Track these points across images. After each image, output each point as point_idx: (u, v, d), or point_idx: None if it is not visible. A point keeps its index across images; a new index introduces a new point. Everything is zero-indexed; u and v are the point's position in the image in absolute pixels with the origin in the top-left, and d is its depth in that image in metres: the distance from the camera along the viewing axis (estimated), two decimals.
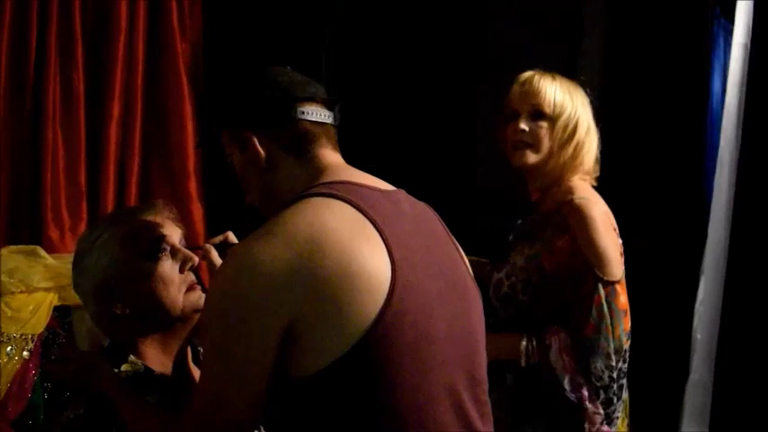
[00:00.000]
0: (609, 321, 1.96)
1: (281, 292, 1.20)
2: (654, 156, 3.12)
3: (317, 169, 1.38)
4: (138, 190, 2.96)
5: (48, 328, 2.49)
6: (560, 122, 2.07)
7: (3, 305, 2.45)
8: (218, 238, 1.70)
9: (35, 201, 2.78)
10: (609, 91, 2.91)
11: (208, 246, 1.65)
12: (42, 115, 2.76)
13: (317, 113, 1.42)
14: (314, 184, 1.35)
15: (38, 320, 2.46)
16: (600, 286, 1.97)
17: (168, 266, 1.54)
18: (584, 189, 2.08)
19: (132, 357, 1.53)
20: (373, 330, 1.20)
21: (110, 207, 2.89)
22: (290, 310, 1.20)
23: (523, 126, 2.08)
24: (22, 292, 2.48)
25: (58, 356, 1.54)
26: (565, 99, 2.09)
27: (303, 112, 1.40)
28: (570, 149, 2.07)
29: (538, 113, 2.08)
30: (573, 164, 2.09)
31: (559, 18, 3.11)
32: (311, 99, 1.43)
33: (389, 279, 1.23)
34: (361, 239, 1.24)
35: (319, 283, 1.19)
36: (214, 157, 3.01)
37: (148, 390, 1.49)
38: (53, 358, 1.57)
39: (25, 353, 2.41)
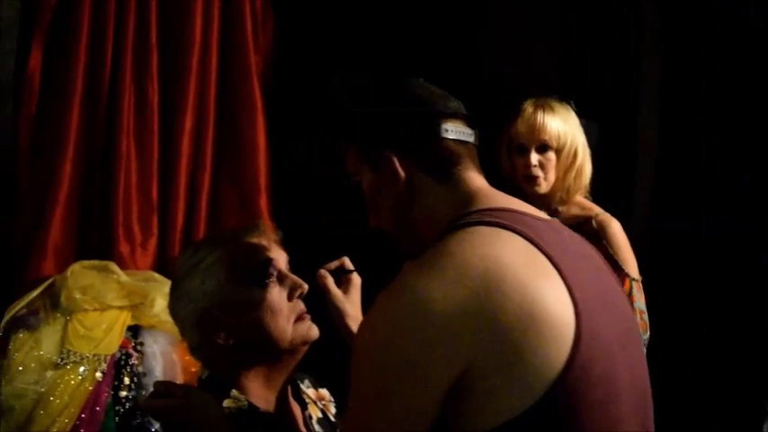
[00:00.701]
0: (642, 317, 2.31)
1: (456, 338, 1.05)
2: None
3: (464, 194, 1.26)
4: (208, 205, 2.88)
5: (120, 348, 2.41)
6: (564, 152, 2.34)
7: (75, 323, 2.39)
8: (334, 264, 1.59)
9: (106, 215, 2.71)
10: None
11: (323, 272, 1.56)
12: (116, 126, 2.69)
13: (460, 132, 1.29)
14: (467, 210, 1.21)
15: (111, 340, 2.39)
16: (633, 285, 2.30)
17: (276, 294, 1.45)
18: (593, 205, 2.42)
19: (235, 392, 1.44)
20: (559, 384, 1.04)
21: (180, 223, 2.82)
22: (465, 358, 1.05)
23: (534, 161, 2.33)
24: (95, 309, 2.41)
25: (159, 390, 1.44)
26: (566, 129, 2.35)
27: (447, 130, 1.28)
28: (573, 173, 2.35)
29: (544, 147, 2.33)
30: (577, 184, 2.38)
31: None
32: (454, 115, 1.31)
33: (574, 324, 1.07)
34: (540, 277, 1.09)
35: (500, 327, 1.04)
36: (286, 173, 2.96)
37: (252, 429, 1.40)
38: (153, 392, 1.47)
39: (98, 374, 2.34)
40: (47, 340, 2.32)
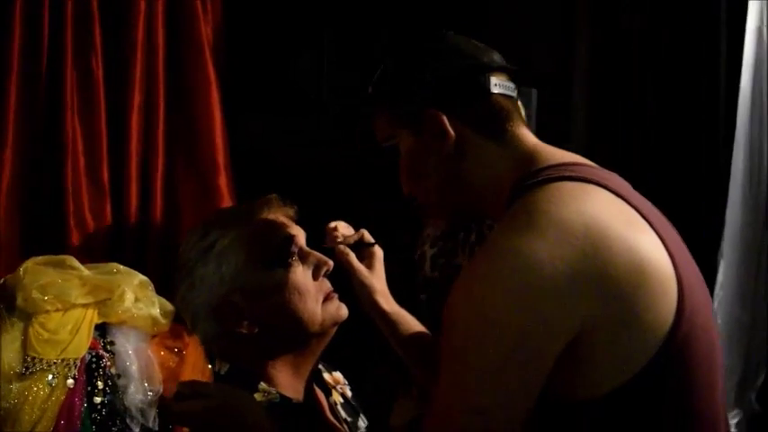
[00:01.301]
0: None
1: (568, 302, 0.98)
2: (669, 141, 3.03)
3: (524, 151, 1.17)
4: (163, 187, 2.66)
5: (89, 350, 2.18)
6: None
7: (37, 326, 2.13)
8: (353, 237, 1.49)
9: (54, 204, 2.46)
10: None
11: (342, 247, 1.45)
12: (60, 105, 2.44)
13: (506, 86, 1.20)
14: (536, 167, 1.13)
15: (79, 342, 2.15)
16: None
17: (301, 273, 1.31)
18: None
19: (263, 385, 1.30)
20: (671, 339, 1.01)
21: (134, 208, 2.59)
22: (577, 323, 0.99)
23: None
24: (58, 310, 2.17)
25: (185, 392, 1.27)
26: None
27: (495, 85, 1.18)
28: None
29: None
30: None
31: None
32: (500, 69, 1.21)
33: (675, 276, 1.03)
34: (637, 230, 1.05)
35: (611, 286, 0.99)
36: (244, 149, 2.76)
37: (285, 423, 1.26)
38: (177, 394, 1.29)
39: (69, 381, 2.10)
40: (6, 349, 2.07)
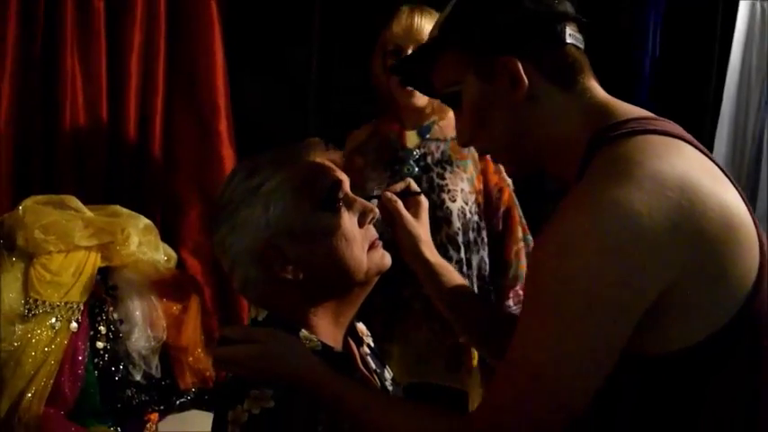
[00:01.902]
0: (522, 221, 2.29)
1: (665, 254, 0.96)
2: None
3: (598, 104, 1.14)
4: (162, 129, 2.57)
5: (93, 294, 2.12)
6: None
7: (39, 268, 2.06)
8: (399, 186, 1.45)
9: (52, 143, 2.35)
10: None
11: (389, 194, 1.41)
12: (59, 42, 2.33)
13: (578, 37, 1.16)
14: (615, 120, 1.10)
15: (82, 286, 2.09)
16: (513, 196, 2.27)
17: (348, 219, 1.26)
18: None
19: (305, 332, 1.25)
20: (756, 293, 1.00)
21: (132, 150, 2.50)
22: (671, 274, 0.97)
23: None
24: (60, 251, 2.09)
25: (230, 337, 1.23)
26: None
27: (570, 34, 1.14)
28: None
29: None
30: None
31: None
32: (574, 19, 1.17)
33: (755, 231, 1.03)
34: (722, 185, 1.04)
35: (705, 239, 0.98)
36: (245, 93, 2.68)
37: None
38: (221, 339, 1.25)
39: (73, 325, 2.04)
40: (7, 289, 1.99)
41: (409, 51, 2.11)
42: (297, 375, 1.16)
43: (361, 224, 1.29)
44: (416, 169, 2.20)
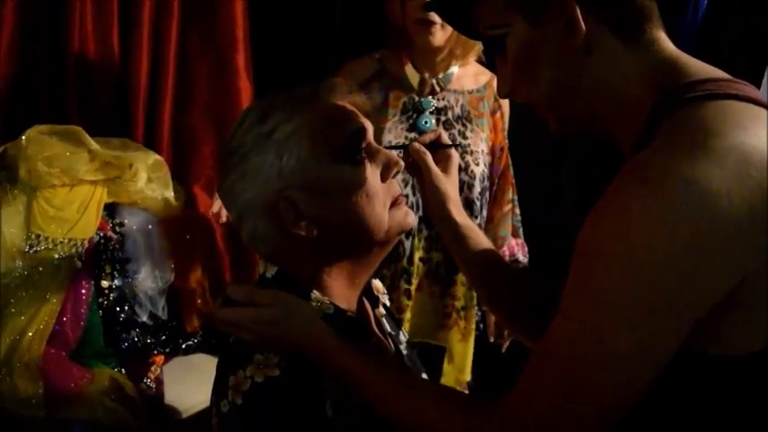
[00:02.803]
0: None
1: (741, 242, 0.84)
2: None
3: (664, 59, 0.99)
4: (176, 62, 2.44)
5: (99, 231, 2.03)
6: None
7: (42, 201, 1.97)
8: (429, 137, 1.32)
9: (59, 73, 2.23)
10: None
11: (417, 145, 1.28)
12: None
13: None
14: (687, 80, 0.95)
15: (87, 221, 2.00)
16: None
17: (370, 173, 1.14)
18: (487, 71, 2.15)
19: (316, 293, 1.15)
20: None
21: (144, 80, 2.38)
22: (747, 264, 0.85)
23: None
24: (64, 185, 2.00)
25: (239, 298, 1.13)
26: None
27: None
28: None
29: None
30: (475, 41, 1.97)
31: None
32: None
33: None
34: None
35: None
36: (262, 25, 2.54)
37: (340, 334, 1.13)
38: (224, 300, 1.15)
39: (77, 262, 1.96)
40: (8, 224, 1.91)
41: None
42: (303, 343, 1.06)
43: (383, 178, 1.17)
44: (433, 122, 2.05)
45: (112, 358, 1.99)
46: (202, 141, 2.47)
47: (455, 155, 1.34)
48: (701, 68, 0.99)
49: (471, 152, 2.07)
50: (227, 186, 1.17)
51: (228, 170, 1.16)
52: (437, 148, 1.32)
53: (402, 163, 1.19)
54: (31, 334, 1.85)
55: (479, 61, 2.17)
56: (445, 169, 1.31)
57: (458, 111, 2.09)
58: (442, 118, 2.07)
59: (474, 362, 2.19)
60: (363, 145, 1.15)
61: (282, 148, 1.11)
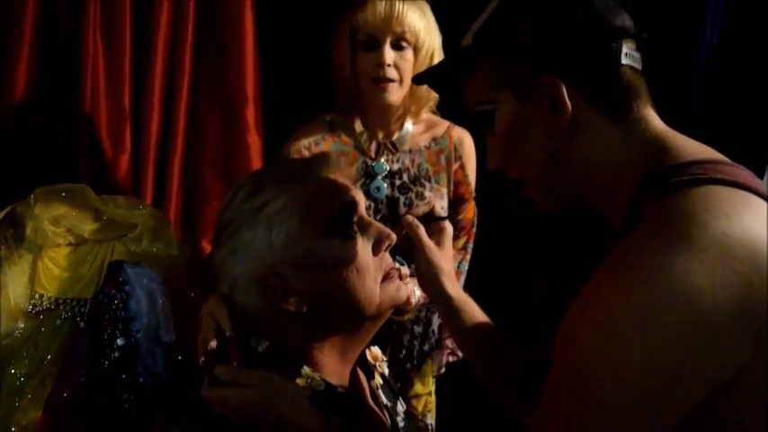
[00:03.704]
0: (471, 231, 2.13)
1: (728, 338, 0.82)
2: None
3: (652, 139, 0.99)
4: (186, 115, 2.46)
5: (102, 290, 2.04)
6: (423, 53, 1.92)
7: (47, 261, 1.99)
8: (422, 209, 1.35)
9: (70, 129, 2.26)
10: None
11: (411, 218, 1.29)
12: (81, 19, 2.21)
13: (636, 57, 1.02)
14: (672, 162, 0.95)
15: (91, 281, 2.01)
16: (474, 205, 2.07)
17: (361, 247, 1.14)
18: (439, 118, 2.06)
19: (307, 369, 1.15)
20: None
21: (154, 136, 2.40)
22: (734, 360, 0.83)
23: (389, 59, 1.90)
24: (69, 244, 2.02)
25: (226, 378, 1.13)
26: (426, 24, 1.93)
27: (626, 54, 1.00)
28: None
29: (401, 42, 1.90)
30: (431, 94, 1.97)
31: None
32: (632, 35, 1.02)
33: None
34: None
35: None
36: (273, 80, 2.56)
37: (329, 412, 1.12)
38: (213, 378, 1.15)
39: (80, 322, 1.97)
40: (13, 283, 1.93)
41: (387, 44, 1.88)
42: (288, 425, 1.07)
43: (375, 251, 1.18)
44: (386, 187, 1.96)
45: (113, 420, 1.99)
46: (211, 196, 2.48)
47: (449, 227, 1.35)
48: (690, 148, 0.98)
49: None
50: (218, 260, 1.18)
51: (220, 244, 1.18)
52: (430, 220, 1.33)
53: (394, 236, 1.19)
54: (30, 396, 1.85)
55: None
56: (438, 241, 1.32)
57: (414, 171, 2.00)
58: (397, 182, 1.98)
59: None
60: (354, 219, 1.15)
61: (273, 223, 1.13)
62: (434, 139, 2.04)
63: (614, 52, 0.99)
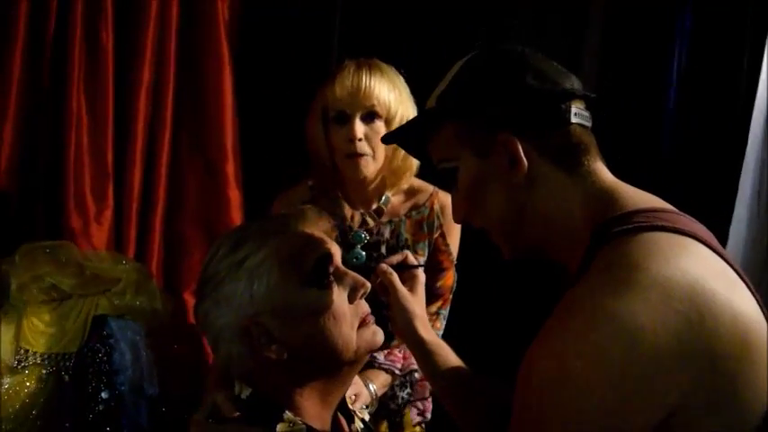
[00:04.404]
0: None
1: (669, 374, 0.88)
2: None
3: (601, 190, 1.07)
4: (167, 172, 2.52)
5: (87, 343, 2.07)
6: (396, 123, 1.88)
7: (32, 317, 2.03)
8: (396, 258, 1.40)
9: (54, 184, 2.31)
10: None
11: (385, 266, 1.36)
12: (66, 79, 2.29)
13: (585, 116, 1.11)
14: (619, 212, 1.03)
15: (76, 335, 2.05)
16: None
17: (337, 295, 1.20)
18: (423, 182, 2.03)
19: (289, 414, 1.20)
20: None
21: (137, 192, 2.46)
22: (676, 397, 0.88)
23: (359, 134, 1.88)
24: (53, 300, 2.05)
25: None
26: (396, 95, 1.91)
27: (576, 114, 1.08)
28: (403, 151, 1.82)
29: (372, 115, 1.89)
30: (407, 163, 1.93)
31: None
32: (580, 96, 1.11)
33: None
34: (736, 294, 0.95)
35: (716, 359, 0.89)
36: (253, 135, 2.62)
37: None
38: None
39: (63, 375, 2.00)
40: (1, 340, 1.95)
41: (357, 118, 1.88)
42: None
43: (351, 299, 1.23)
44: (364, 255, 1.95)
45: None
46: (192, 249, 2.53)
47: (421, 274, 1.42)
48: (636, 198, 1.06)
49: None
50: (202, 312, 1.24)
51: (204, 297, 1.23)
52: (404, 269, 1.39)
53: (369, 285, 1.26)
54: None
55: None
56: (411, 288, 1.38)
57: (392, 242, 1.98)
58: (375, 253, 1.96)
59: None
60: (331, 270, 1.21)
61: (253, 276, 1.19)
62: (416, 208, 2.01)
63: (563, 112, 1.08)
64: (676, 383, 0.88)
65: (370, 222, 2.00)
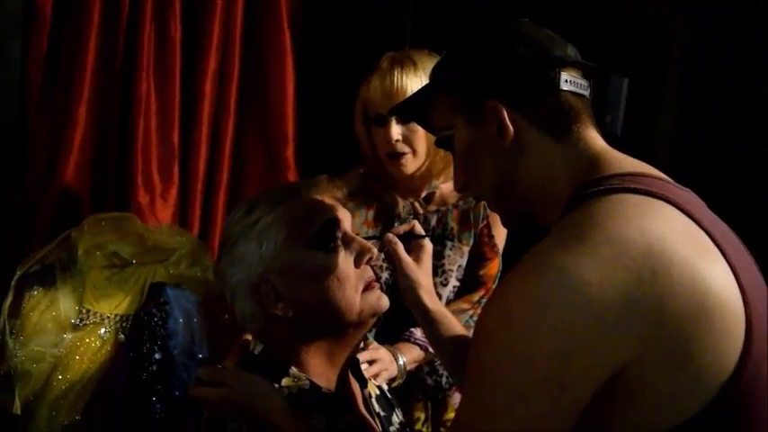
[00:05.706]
0: None
1: (615, 329, 0.88)
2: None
3: (588, 156, 1.08)
4: (231, 153, 2.67)
5: (144, 308, 2.22)
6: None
7: (95, 281, 2.19)
8: (403, 228, 1.46)
9: (123, 162, 2.49)
10: None
11: (391, 236, 1.41)
12: (136, 65, 2.46)
13: (578, 83, 1.12)
14: (599, 175, 1.03)
15: (133, 299, 2.20)
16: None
17: (343, 259, 1.28)
18: None
19: (294, 370, 1.29)
20: (732, 387, 0.90)
21: (202, 171, 2.62)
22: (624, 353, 0.89)
23: (396, 135, 1.91)
24: (114, 266, 2.22)
25: (207, 378, 1.28)
26: None
27: (566, 81, 1.10)
28: None
29: None
30: (448, 159, 1.87)
31: None
32: (573, 64, 1.12)
33: (744, 315, 0.92)
34: (706, 258, 0.93)
35: (668, 318, 0.89)
36: (313, 121, 2.74)
37: (313, 411, 1.26)
38: (197, 379, 1.30)
39: (121, 336, 2.15)
40: (64, 299, 2.13)
41: (393, 120, 1.92)
42: (262, 417, 1.21)
43: (357, 264, 1.31)
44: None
45: (145, 428, 2.15)
46: None
47: (428, 244, 1.46)
48: (622, 163, 1.07)
49: (442, 272, 2.00)
50: (220, 271, 1.35)
51: (221, 256, 1.34)
52: (411, 238, 1.44)
53: (375, 250, 1.33)
54: (72, 399, 2.04)
55: None
56: (417, 258, 1.43)
57: (438, 231, 2.01)
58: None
59: None
60: (339, 234, 1.29)
61: (262, 237, 1.28)
62: (463, 198, 2.03)
63: (552, 79, 1.10)
64: (623, 339, 0.88)
65: (419, 209, 2.04)
